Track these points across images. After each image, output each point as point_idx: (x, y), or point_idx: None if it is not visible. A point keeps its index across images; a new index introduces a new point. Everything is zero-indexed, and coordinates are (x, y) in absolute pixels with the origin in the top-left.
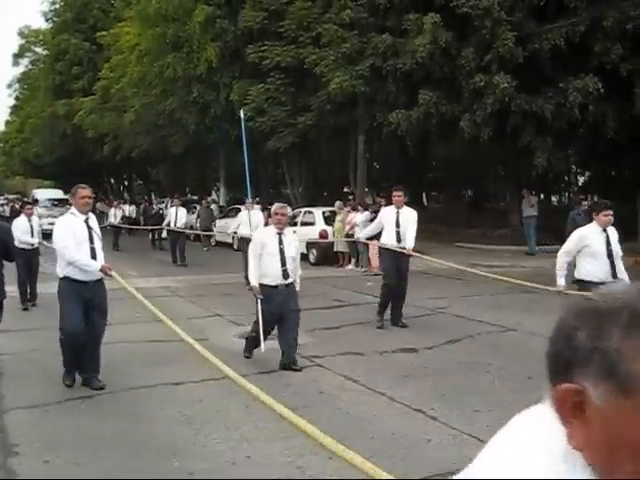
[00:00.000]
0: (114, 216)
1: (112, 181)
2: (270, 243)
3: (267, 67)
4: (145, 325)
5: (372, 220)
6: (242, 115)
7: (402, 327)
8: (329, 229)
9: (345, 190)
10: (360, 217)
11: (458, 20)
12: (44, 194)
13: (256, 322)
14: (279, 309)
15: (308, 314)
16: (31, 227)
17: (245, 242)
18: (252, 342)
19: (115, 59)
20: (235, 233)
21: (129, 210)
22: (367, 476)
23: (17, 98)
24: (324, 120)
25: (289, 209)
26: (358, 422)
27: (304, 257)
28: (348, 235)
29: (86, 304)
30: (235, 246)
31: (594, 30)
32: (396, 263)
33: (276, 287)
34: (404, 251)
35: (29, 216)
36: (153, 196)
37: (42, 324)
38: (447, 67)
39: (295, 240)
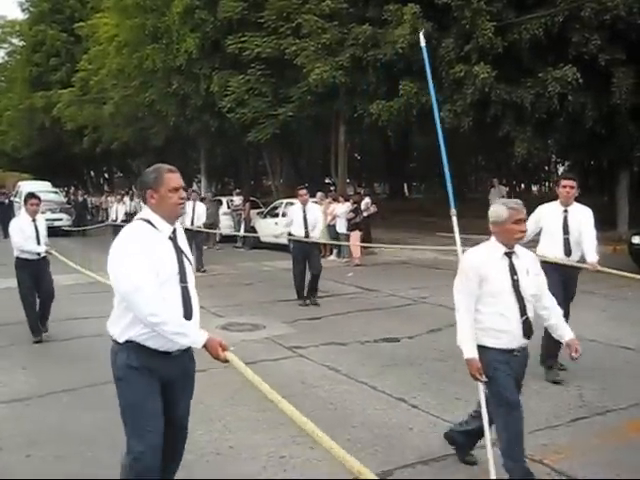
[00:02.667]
0: (116, 212)
1: (92, 174)
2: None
3: (247, 58)
4: None
5: (354, 211)
6: (422, 41)
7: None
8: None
9: (326, 181)
10: (341, 208)
11: (438, 11)
12: (32, 187)
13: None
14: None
15: (289, 305)
16: (36, 230)
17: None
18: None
19: (93, 50)
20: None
21: (132, 205)
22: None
23: None
24: (305, 111)
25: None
26: (341, 412)
27: (285, 248)
28: (329, 226)
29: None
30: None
31: (572, 21)
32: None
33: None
34: (587, 266)
35: (33, 214)
36: (133, 189)
37: (22, 318)
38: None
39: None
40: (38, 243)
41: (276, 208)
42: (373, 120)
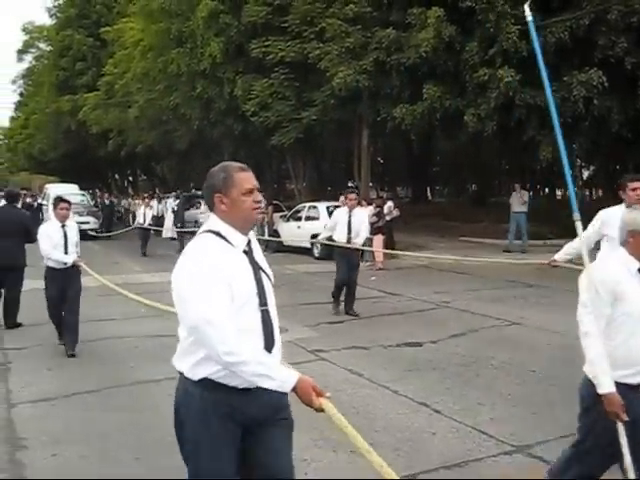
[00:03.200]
0: (143, 215)
1: (116, 177)
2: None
3: (271, 62)
4: (150, 320)
5: (376, 215)
6: (528, 14)
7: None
8: None
9: (349, 185)
10: (364, 212)
11: (462, 14)
12: (60, 189)
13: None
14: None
15: (312, 308)
16: (65, 237)
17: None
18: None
19: (119, 55)
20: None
21: (159, 208)
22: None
23: (21, 94)
24: (328, 115)
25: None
26: (363, 415)
27: (308, 252)
28: None
29: None
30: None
31: (598, 23)
32: None
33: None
34: None
35: (63, 219)
36: (157, 191)
37: (46, 319)
38: (451, 61)
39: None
40: (66, 251)
41: (299, 211)
42: (396, 124)
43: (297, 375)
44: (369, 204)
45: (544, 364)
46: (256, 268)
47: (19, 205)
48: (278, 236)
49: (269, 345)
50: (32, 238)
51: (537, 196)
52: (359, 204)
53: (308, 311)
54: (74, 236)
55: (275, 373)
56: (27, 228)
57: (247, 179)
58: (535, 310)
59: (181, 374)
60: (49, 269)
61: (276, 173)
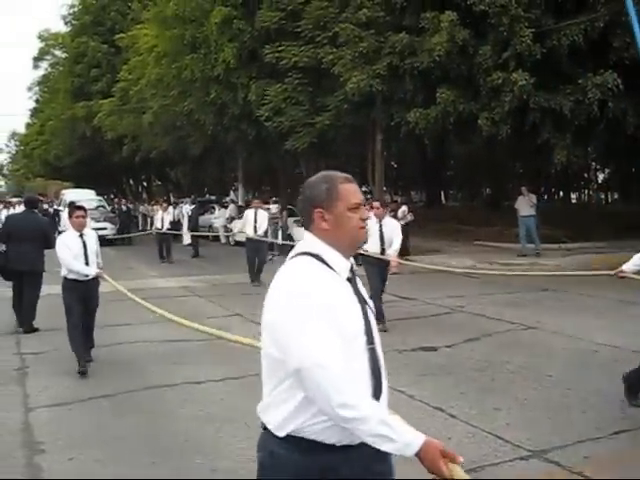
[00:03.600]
0: (161, 220)
1: (131, 182)
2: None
3: (284, 67)
4: (163, 325)
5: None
6: None
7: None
8: None
9: (363, 189)
10: None
11: (475, 18)
12: (76, 195)
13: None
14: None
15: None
16: (84, 247)
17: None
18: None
19: (133, 61)
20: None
21: (175, 214)
22: None
23: (37, 101)
24: (342, 120)
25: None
26: None
27: None
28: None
29: None
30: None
31: (613, 26)
32: None
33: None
34: None
35: (80, 228)
36: (171, 196)
37: (64, 324)
38: (464, 65)
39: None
40: (87, 262)
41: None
42: (410, 128)
43: (423, 437)
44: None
45: (560, 368)
46: (362, 300)
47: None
48: (292, 241)
49: (378, 392)
50: (51, 244)
51: (551, 199)
52: (372, 208)
53: None
54: (93, 245)
55: (398, 435)
56: (46, 234)
57: (354, 192)
58: (550, 314)
59: (265, 429)
60: (68, 281)
61: (290, 178)
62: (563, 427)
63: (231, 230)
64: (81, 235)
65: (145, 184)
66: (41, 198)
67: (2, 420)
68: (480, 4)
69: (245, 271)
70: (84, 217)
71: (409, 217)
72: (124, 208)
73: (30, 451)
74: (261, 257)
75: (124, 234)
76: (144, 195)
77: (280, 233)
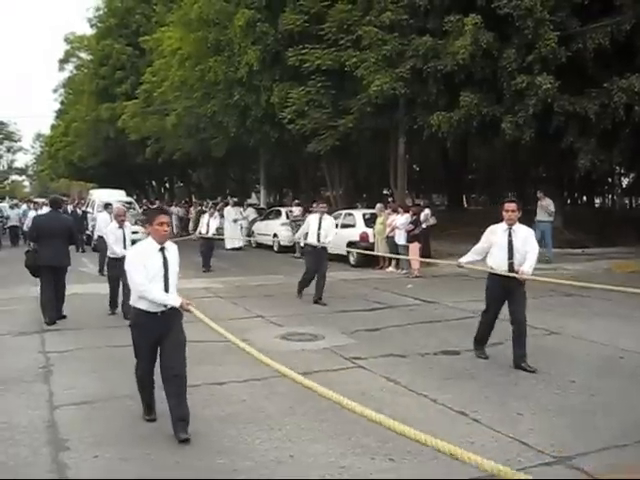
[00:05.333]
0: (207, 225)
1: (153, 183)
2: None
3: (307, 70)
4: (186, 326)
5: (413, 223)
6: None
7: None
8: (369, 231)
9: (385, 192)
10: (401, 219)
11: (499, 21)
12: (106, 195)
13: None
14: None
15: (349, 316)
16: (165, 266)
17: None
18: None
19: (157, 63)
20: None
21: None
22: None
23: (62, 102)
24: (364, 122)
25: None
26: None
27: (344, 259)
28: (388, 237)
29: None
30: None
31: None
32: None
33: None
34: None
35: (163, 240)
36: (193, 198)
37: (88, 323)
38: (488, 68)
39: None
40: (167, 286)
41: (335, 219)
42: (433, 131)
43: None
44: (406, 211)
45: (584, 374)
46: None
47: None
48: None
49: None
50: (75, 240)
51: (575, 204)
52: (394, 211)
53: (345, 318)
54: (176, 263)
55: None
56: (70, 231)
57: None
58: (574, 320)
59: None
60: (140, 313)
61: (312, 180)
62: (587, 433)
63: (254, 233)
64: (162, 249)
65: (167, 185)
66: (64, 198)
67: (28, 418)
68: (505, 7)
69: (264, 273)
70: (169, 225)
71: (431, 220)
72: None
73: (56, 448)
74: (322, 269)
75: None
76: (166, 196)
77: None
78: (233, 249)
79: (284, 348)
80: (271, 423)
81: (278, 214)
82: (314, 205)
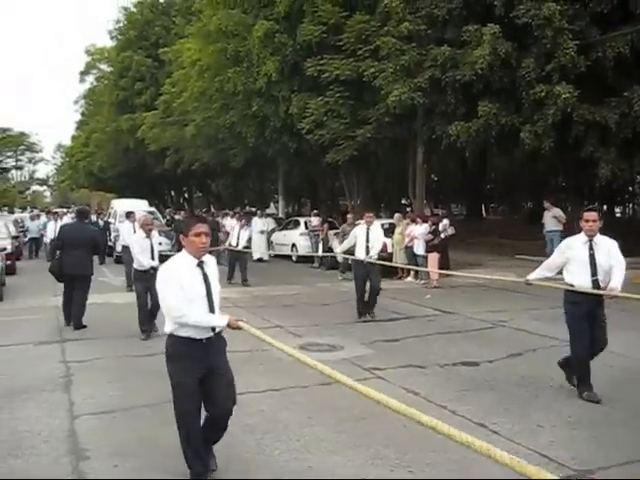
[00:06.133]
0: (237, 237)
1: (172, 193)
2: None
3: (326, 80)
4: None
5: (432, 233)
6: None
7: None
8: (388, 241)
9: (403, 202)
10: (419, 229)
11: (518, 30)
12: (128, 205)
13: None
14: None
15: (368, 326)
16: (206, 283)
17: None
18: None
19: (176, 74)
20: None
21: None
22: None
23: (83, 114)
24: (383, 132)
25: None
26: (419, 435)
27: None
28: (407, 247)
29: None
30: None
31: None
32: None
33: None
34: None
35: (202, 253)
36: (212, 208)
37: (108, 333)
38: (507, 78)
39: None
40: (212, 308)
41: (340, 228)
42: (451, 141)
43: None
44: (424, 221)
45: (605, 386)
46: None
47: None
48: (332, 252)
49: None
50: (99, 251)
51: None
52: (413, 221)
53: (363, 329)
54: (217, 279)
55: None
56: (95, 241)
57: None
58: None
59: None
60: (179, 340)
61: (330, 190)
62: (609, 446)
63: (272, 243)
64: (201, 264)
65: (186, 195)
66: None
67: (49, 427)
68: (523, 17)
69: (283, 283)
70: (208, 235)
71: (450, 231)
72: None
73: (76, 458)
74: (374, 284)
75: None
76: (185, 205)
77: (321, 246)
78: (260, 260)
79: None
80: (290, 434)
81: (297, 224)
82: (367, 215)
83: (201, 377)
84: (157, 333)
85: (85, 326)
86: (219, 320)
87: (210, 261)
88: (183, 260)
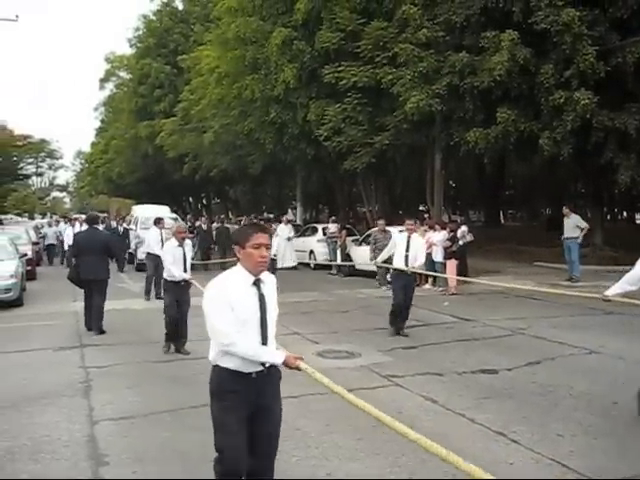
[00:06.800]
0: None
1: (190, 200)
2: None
3: (344, 87)
4: None
5: (450, 239)
6: None
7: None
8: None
9: (421, 208)
10: (438, 236)
11: (536, 36)
12: (149, 211)
13: None
14: None
15: (385, 333)
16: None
17: None
18: None
19: (195, 81)
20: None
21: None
22: None
23: (102, 121)
24: (401, 139)
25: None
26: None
27: None
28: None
29: None
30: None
31: None
32: None
33: None
34: None
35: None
36: (230, 215)
37: (127, 339)
38: (526, 84)
39: None
40: (265, 341)
41: (371, 235)
42: (470, 148)
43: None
44: (442, 228)
45: (626, 395)
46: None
47: (100, 227)
48: (350, 260)
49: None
50: (113, 253)
51: (614, 220)
52: (431, 228)
53: (381, 336)
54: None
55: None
56: (107, 245)
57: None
58: (615, 338)
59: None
60: (223, 373)
61: (348, 197)
62: (630, 457)
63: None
64: (257, 282)
65: (204, 202)
66: (105, 215)
67: (69, 432)
68: (541, 22)
69: (300, 290)
70: (269, 248)
71: (468, 237)
72: (204, 227)
73: (95, 463)
74: (409, 297)
75: (204, 257)
76: (204, 212)
77: (339, 252)
78: (286, 268)
79: (320, 365)
80: (308, 441)
81: (314, 231)
82: (408, 223)
83: (248, 414)
84: (189, 356)
85: (104, 332)
86: (274, 356)
87: (269, 279)
88: (237, 276)
